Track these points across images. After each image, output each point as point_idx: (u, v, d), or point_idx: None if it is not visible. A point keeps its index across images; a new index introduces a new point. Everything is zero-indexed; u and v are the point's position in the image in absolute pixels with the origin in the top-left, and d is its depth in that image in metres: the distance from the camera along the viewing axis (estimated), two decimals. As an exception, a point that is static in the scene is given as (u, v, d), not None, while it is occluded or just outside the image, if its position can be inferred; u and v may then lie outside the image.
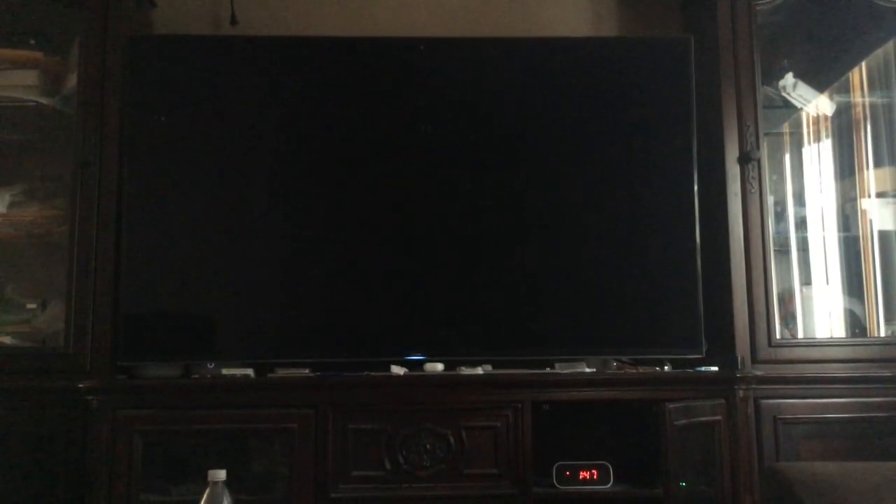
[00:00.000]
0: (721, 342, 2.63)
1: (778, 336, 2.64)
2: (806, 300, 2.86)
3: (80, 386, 2.35)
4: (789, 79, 2.85)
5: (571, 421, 2.53)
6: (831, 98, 2.95)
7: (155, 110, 2.62)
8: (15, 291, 2.72)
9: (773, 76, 2.85)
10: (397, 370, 2.48)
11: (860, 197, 2.91)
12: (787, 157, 2.97)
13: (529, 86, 2.71)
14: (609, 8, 3.10)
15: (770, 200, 2.73)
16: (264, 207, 2.61)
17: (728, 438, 2.45)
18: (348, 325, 2.59)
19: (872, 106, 2.96)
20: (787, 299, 2.86)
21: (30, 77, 2.68)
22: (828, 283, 2.87)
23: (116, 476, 2.31)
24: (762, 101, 2.73)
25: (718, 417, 2.45)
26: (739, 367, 2.53)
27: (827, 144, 2.95)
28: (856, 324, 2.88)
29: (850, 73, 2.99)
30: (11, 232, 2.68)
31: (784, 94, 2.86)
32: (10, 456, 2.41)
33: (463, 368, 2.49)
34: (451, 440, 2.38)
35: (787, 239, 2.86)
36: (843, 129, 2.97)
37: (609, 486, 2.42)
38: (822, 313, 2.86)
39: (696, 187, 2.64)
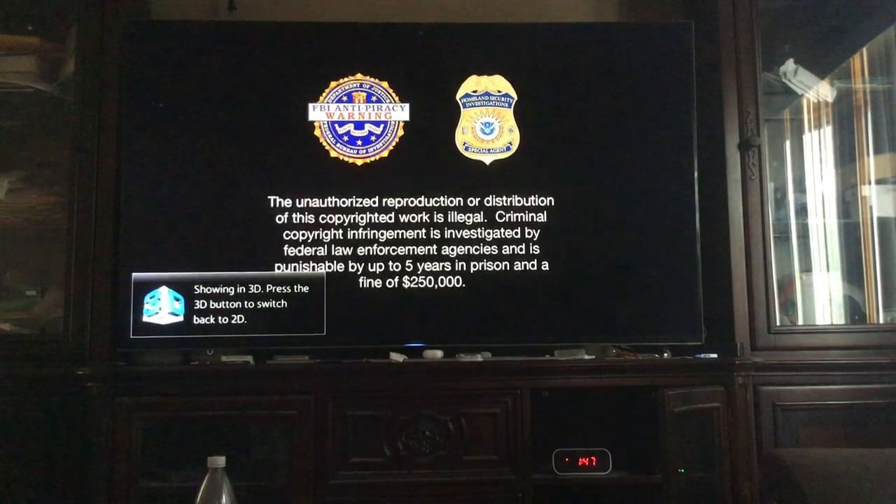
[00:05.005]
0: (720, 329, 2.63)
1: (777, 323, 2.64)
2: (805, 287, 2.86)
3: (80, 373, 2.35)
4: (790, 65, 2.84)
5: (570, 407, 2.53)
6: (832, 84, 2.94)
7: (153, 96, 2.62)
8: (14, 278, 2.72)
9: (773, 62, 2.84)
10: (396, 357, 2.48)
11: (860, 183, 2.90)
12: (788, 144, 2.97)
13: (529, 71, 2.70)
14: (610, -7, 3.10)
15: (770, 187, 2.73)
16: (262, 192, 2.60)
17: (727, 425, 2.45)
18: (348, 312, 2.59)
19: (873, 92, 2.95)
20: (786, 286, 2.86)
21: (27, 63, 2.67)
22: (828, 269, 2.87)
23: (116, 462, 2.31)
24: (763, 87, 2.72)
25: (717, 404, 2.46)
26: (739, 353, 2.53)
27: (827, 131, 2.94)
28: (855, 311, 2.88)
29: (851, 60, 2.98)
30: (10, 219, 2.68)
31: (785, 80, 2.85)
32: (9, 443, 2.42)
33: (462, 355, 2.49)
34: (451, 427, 2.39)
35: (787, 226, 2.86)
36: (843, 116, 2.96)
37: (608, 472, 2.42)
38: (822, 300, 2.86)
39: (696, 174, 2.64)
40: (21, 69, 2.67)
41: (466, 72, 2.68)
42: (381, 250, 2.60)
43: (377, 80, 2.67)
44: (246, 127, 2.64)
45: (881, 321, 2.85)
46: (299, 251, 2.58)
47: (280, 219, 2.59)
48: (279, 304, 2.56)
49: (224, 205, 2.61)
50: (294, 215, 2.60)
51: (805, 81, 2.87)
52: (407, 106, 2.66)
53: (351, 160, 2.63)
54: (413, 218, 2.62)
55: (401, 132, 2.65)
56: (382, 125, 2.65)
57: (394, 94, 2.66)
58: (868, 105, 2.94)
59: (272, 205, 2.60)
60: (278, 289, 2.56)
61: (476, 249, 2.61)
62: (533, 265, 2.61)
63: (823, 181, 2.92)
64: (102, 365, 2.44)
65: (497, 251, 2.61)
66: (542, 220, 2.63)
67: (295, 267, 2.58)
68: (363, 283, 2.58)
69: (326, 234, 2.59)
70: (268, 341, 2.56)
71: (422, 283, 2.59)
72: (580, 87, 2.71)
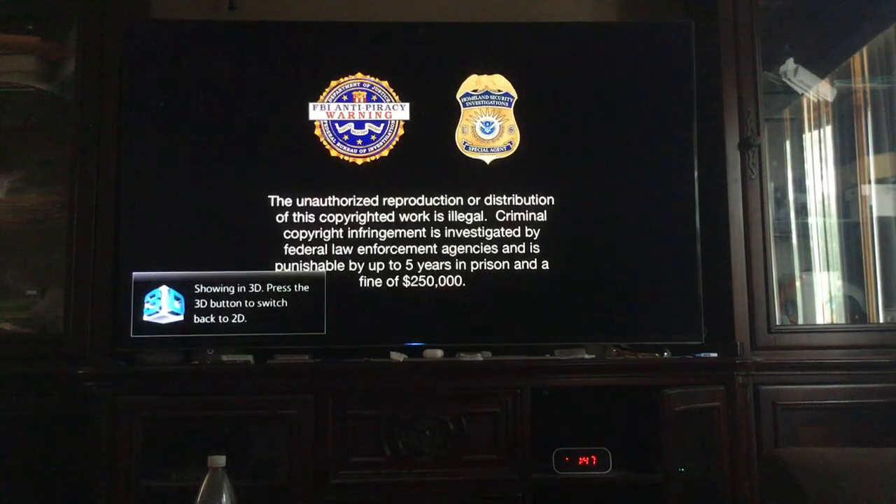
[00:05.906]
0: (721, 328, 2.63)
1: (777, 322, 2.64)
2: (806, 286, 2.86)
3: (80, 372, 2.35)
4: (790, 64, 2.84)
5: (571, 407, 2.53)
6: (832, 84, 2.94)
7: (153, 95, 2.62)
8: (14, 277, 2.72)
9: (773, 61, 2.84)
10: (397, 356, 2.48)
11: (860, 183, 2.90)
12: (788, 143, 2.97)
13: (530, 71, 2.70)
14: (610, -8, 3.10)
15: (770, 186, 2.73)
16: (262, 191, 2.60)
17: (727, 424, 2.45)
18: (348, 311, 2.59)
19: (873, 92, 2.95)
20: (786, 285, 2.86)
21: (27, 62, 2.67)
22: (828, 269, 2.87)
23: (116, 462, 2.31)
24: (763, 86, 2.72)
25: (717, 403, 2.46)
26: (739, 353, 2.53)
27: (827, 130, 2.94)
28: (855, 310, 2.88)
29: (851, 59, 2.98)
30: (11, 218, 2.67)
31: (785, 79, 2.85)
32: (9, 442, 2.41)
33: (462, 355, 2.49)
34: (451, 426, 2.39)
35: (787, 225, 2.86)
36: (843, 115, 2.96)
37: (608, 471, 2.42)
38: (822, 299, 2.86)
39: (696, 173, 2.64)
40: (21, 68, 2.67)
41: (466, 71, 2.68)
42: (381, 249, 2.60)
43: (377, 80, 2.67)
44: (246, 126, 2.64)
45: (881, 320, 2.85)
46: (299, 250, 2.58)
47: (280, 218, 2.59)
48: (279, 304, 2.56)
49: (224, 204, 2.60)
50: (294, 214, 2.60)
51: (805, 81, 2.87)
52: (407, 105, 2.66)
53: (351, 159, 2.63)
54: (413, 217, 2.62)
55: (401, 131, 2.65)
56: (383, 124, 2.65)
57: (394, 94, 2.66)
58: (868, 104, 2.94)
59: (272, 204, 2.60)
60: (278, 288, 2.56)
61: (476, 249, 2.61)
62: (533, 264, 2.61)
63: (823, 181, 2.92)
64: (102, 364, 2.44)
65: (497, 250, 2.61)
66: (543, 219, 2.63)
67: (295, 266, 2.58)
68: (363, 282, 2.58)
69: (327, 234, 2.59)
70: (268, 340, 2.56)
71: (422, 282, 2.59)
72: (580, 86, 2.71)
